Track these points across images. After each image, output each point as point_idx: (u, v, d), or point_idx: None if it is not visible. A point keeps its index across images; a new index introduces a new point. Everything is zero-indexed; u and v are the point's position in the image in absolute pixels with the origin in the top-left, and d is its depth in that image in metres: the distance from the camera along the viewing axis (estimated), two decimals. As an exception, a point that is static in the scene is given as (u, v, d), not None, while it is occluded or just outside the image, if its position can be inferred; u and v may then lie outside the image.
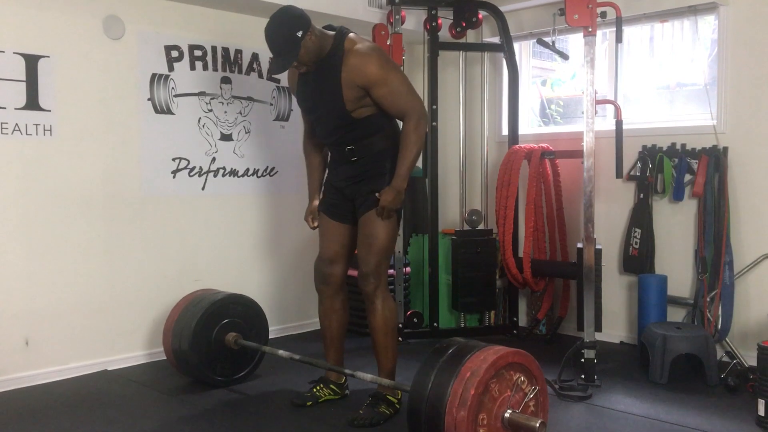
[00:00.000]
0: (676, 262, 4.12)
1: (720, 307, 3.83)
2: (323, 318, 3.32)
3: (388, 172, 3.08)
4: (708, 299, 3.88)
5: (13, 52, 3.46)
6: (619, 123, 3.76)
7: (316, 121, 3.18)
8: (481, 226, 4.57)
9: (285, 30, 2.86)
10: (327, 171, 3.33)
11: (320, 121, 3.15)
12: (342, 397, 3.33)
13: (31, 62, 3.51)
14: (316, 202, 3.33)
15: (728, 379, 3.47)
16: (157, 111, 3.98)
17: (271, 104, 4.52)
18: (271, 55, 2.98)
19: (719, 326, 3.83)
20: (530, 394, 2.46)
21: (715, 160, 3.88)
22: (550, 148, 4.39)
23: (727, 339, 3.85)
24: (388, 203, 3.01)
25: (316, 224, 3.31)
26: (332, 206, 3.24)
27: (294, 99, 4.52)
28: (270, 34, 2.90)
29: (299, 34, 2.85)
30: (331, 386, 3.30)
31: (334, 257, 3.24)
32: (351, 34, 3.02)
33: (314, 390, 3.28)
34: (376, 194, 3.04)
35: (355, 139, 3.06)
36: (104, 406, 3.27)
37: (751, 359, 3.75)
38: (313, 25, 2.92)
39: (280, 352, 3.38)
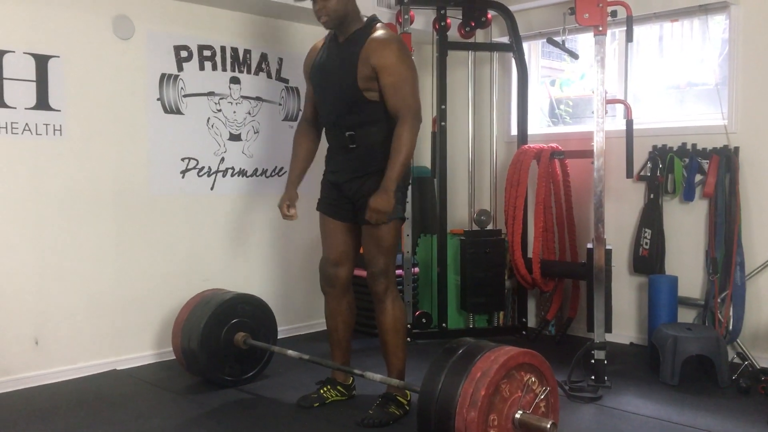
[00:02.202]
0: (687, 263, 4.09)
1: (731, 308, 3.81)
2: (329, 319, 3.30)
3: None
4: (719, 300, 3.85)
5: (24, 52, 3.46)
6: (629, 123, 3.74)
7: (323, 96, 3.13)
8: (490, 227, 4.57)
9: None
10: (325, 166, 3.25)
11: (327, 97, 3.10)
12: (349, 398, 3.32)
13: (41, 62, 3.52)
14: (293, 191, 3.26)
15: (740, 381, 3.45)
16: (166, 111, 3.98)
17: (280, 104, 4.52)
18: None
19: (730, 327, 3.80)
20: (541, 394, 2.45)
21: (726, 160, 3.85)
22: (560, 148, 4.37)
23: (738, 340, 3.83)
24: (378, 205, 2.88)
25: (291, 212, 3.22)
26: (332, 206, 3.19)
27: (302, 100, 4.56)
28: None
29: None
30: (339, 387, 3.29)
31: (339, 259, 3.21)
32: (382, 23, 3.07)
33: (321, 391, 3.27)
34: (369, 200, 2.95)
35: (356, 124, 3.00)
36: (113, 405, 3.27)
37: (763, 361, 3.74)
38: None
39: (289, 352, 3.37)
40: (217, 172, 4.21)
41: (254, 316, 3.60)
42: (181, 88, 4.04)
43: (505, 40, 4.68)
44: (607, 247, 3.58)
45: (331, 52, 3.09)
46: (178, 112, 4.03)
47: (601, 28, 3.43)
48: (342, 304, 3.27)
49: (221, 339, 3.45)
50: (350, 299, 3.30)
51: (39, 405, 3.27)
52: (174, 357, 3.63)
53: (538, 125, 4.93)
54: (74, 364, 3.67)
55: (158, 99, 3.95)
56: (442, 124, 4.41)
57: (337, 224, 3.19)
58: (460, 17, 4.56)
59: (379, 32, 2.99)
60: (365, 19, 3.07)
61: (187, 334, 3.44)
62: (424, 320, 4.46)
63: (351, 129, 3.03)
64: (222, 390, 3.45)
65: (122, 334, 3.85)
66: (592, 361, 3.51)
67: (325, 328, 3.35)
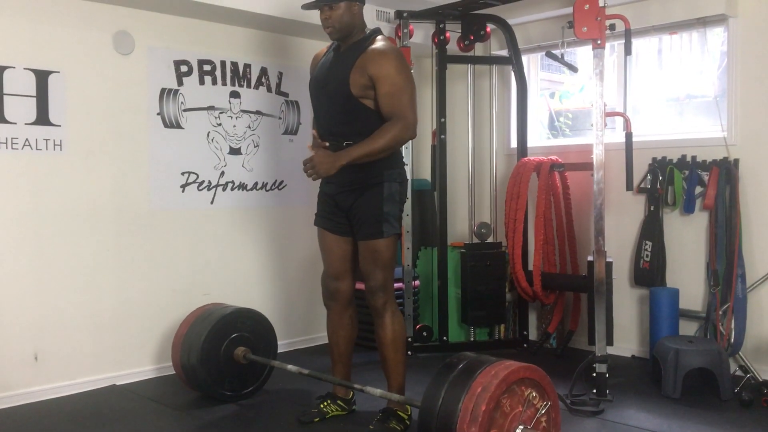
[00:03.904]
0: (688, 275, 4.08)
1: (733, 321, 3.79)
2: (331, 333, 3.29)
3: (386, 180, 3.02)
4: (720, 312, 3.84)
5: (24, 68, 3.47)
6: (628, 135, 3.74)
7: (318, 105, 3.14)
8: (490, 239, 4.56)
9: None
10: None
11: (322, 105, 3.10)
12: (349, 413, 3.30)
13: (42, 78, 3.53)
14: None
15: (742, 394, 3.43)
16: (166, 125, 3.99)
17: (280, 118, 4.53)
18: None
19: (732, 340, 3.79)
20: (542, 409, 2.43)
21: (726, 172, 3.85)
22: (560, 160, 4.37)
23: (740, 353, 3.81)
24: (319, 161, 2.86)
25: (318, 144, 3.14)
26: (328, 220, 3.18)
27: (302, 113, 4.58)
28: None
29: None
30: (339, 402, 3.28)
31: (339, 273, 3.20)
32: (383, 35, 3.09)
33: (321, 406, 3.25)
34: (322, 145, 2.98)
35: (353, 133, 2.97)
36: (113, 421, 3.26)
37: (765, 373, 3.73)
38: (363, 9, 3.06)
39: (289, 366, 3.36)
40: (217, 186, 4.22)
41: (254, 331, 3.59)
42: (181, 102, 4.05)
43: (504, 53, 4.69)
44: (608, 259, 3.57)
45: (330, 61, 3.11)
46: (178, 126, 4.04)
47: (599, 42, 3.44)
48: (344, 318, 3.26)
49: (221, 354, 3.45)
50: (352, 313, 3.29)
51: (38, 421, 3.26)
52: (174, 372, 3.62)
53: (538, 138, 4.94)
54: (74, 379, 3.66)
55: (158, 113, 3.96)
56: (442, 137, 4.41)
57: (334, 238, 3.18)
58: (459, 31, 4.57)
59: (379, 43, 3.00)
60: (368, 31, 3.08)
61: (186, 349, 3.43)
62: (424, 333, 4.44)
63: (348, 138, 2.99)
64: (222, 405, 3.44)
65: (122, 349, 3.84)
66: (594, 374, 3.50)
67: (326, 341, 3.35)
